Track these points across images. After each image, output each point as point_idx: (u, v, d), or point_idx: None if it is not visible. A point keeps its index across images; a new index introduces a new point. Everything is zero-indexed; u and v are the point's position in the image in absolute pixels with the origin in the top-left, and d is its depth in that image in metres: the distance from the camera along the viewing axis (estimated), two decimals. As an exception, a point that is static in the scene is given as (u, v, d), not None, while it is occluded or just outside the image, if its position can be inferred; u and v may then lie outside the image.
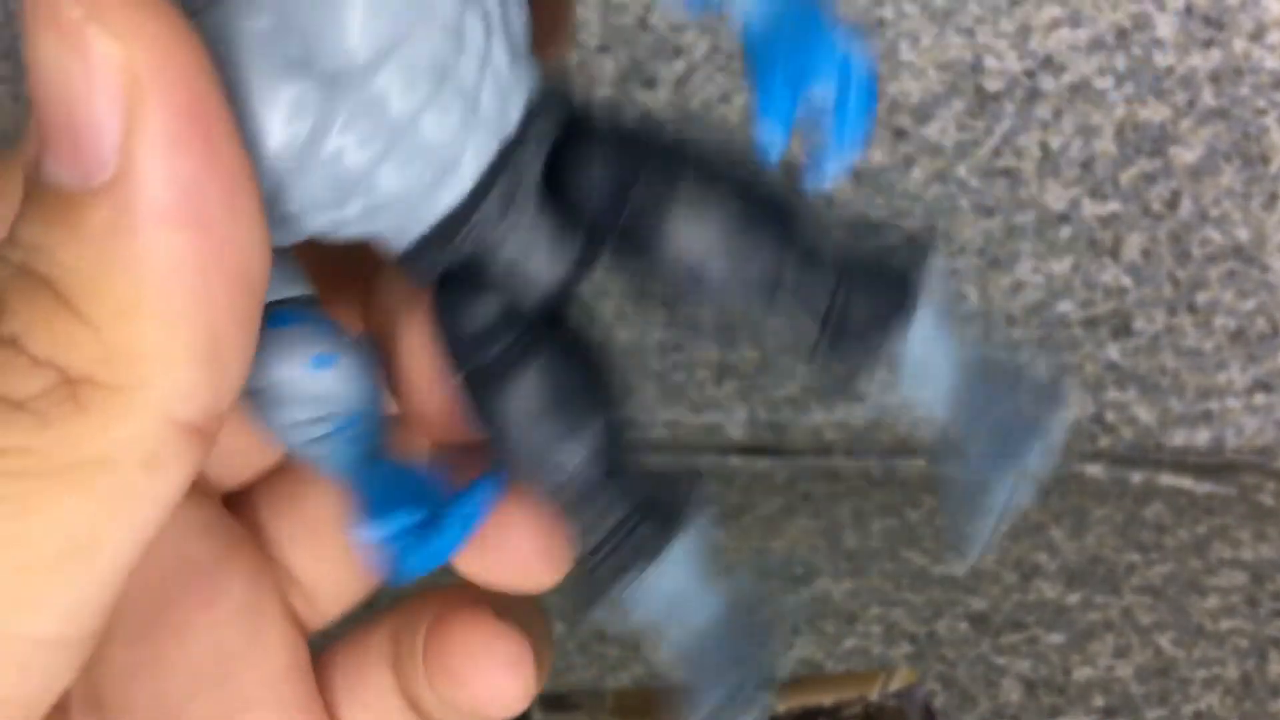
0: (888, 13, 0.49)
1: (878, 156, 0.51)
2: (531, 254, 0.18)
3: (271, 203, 0.17)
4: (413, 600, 0.25)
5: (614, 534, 0.19)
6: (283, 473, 0.24)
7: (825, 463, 0.54)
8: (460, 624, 0.23)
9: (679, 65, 0.51)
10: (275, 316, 0.18)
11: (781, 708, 0.43)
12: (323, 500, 0.23)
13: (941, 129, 0.51)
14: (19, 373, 0.16)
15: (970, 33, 0.50)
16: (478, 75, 0.17)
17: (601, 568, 0.19)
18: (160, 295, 0.16)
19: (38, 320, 0.16)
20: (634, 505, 0.19)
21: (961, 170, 0.51)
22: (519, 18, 0.18)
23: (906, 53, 0.50)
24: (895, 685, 0.42)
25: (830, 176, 0.18)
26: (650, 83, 0.51)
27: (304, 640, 0.25)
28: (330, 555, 0.24)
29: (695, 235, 0.18)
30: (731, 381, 0.54)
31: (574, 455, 0.19)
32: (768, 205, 0.18)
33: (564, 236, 0.18)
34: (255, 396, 0.19)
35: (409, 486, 0.19)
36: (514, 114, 0.17)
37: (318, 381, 0.19)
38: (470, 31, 0.17)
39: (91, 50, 0.15)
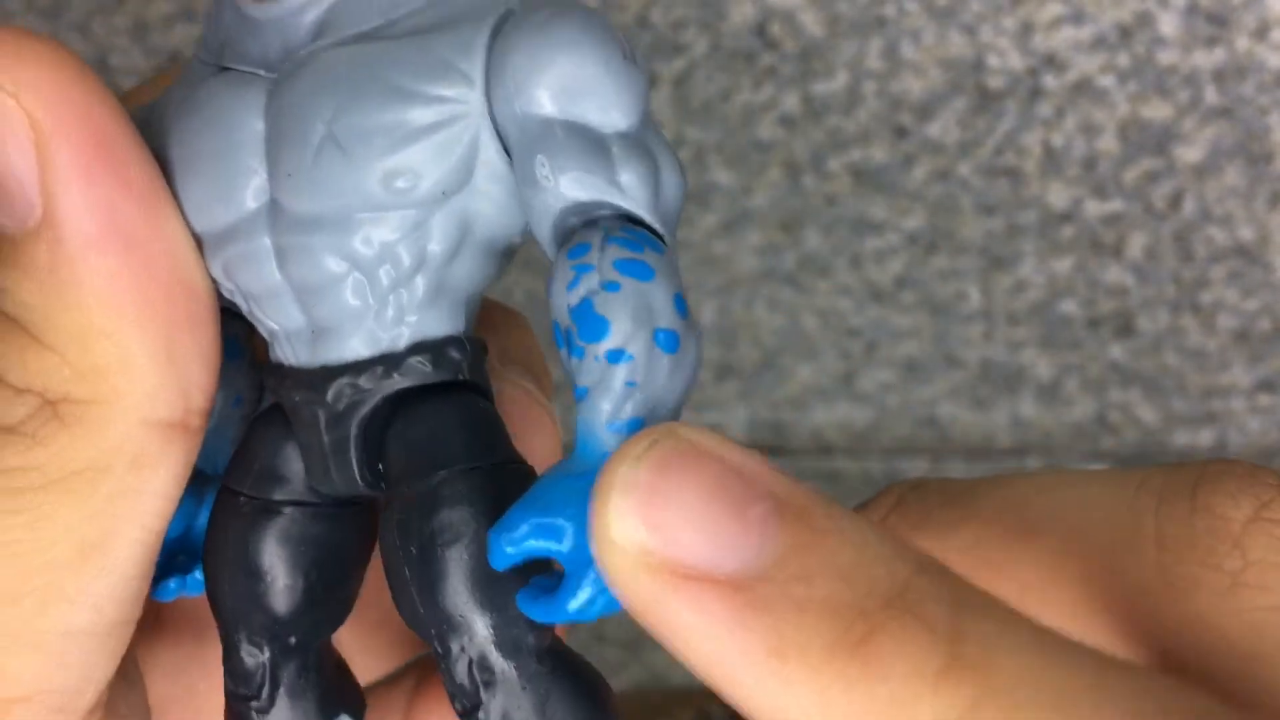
0: (889, 10, 0.49)
1: (879, 155, 0.51)
2: (329, 455, 0.19)
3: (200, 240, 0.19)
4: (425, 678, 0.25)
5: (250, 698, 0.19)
6: None
7: (826, 463, 0.54)
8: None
9: (679, 64, 0.50)
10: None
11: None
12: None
13: (943, 127, 0.51)
14: (4, 401, 0.18)
15: (972, 30, 0.49)
16: (386, 291, 0.18)
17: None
18: (106, 314, 0.18)
19: (12, 353, 0.18)
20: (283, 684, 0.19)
21: (963, 169, 0.51)
22: (468, 275, 0.18)
23: (908, 51, 0.49)
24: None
25: (558, 615, 0.17)
26: (650, 81, 0.51)
27: None
28: (364, 627, 0.24)
29: (415, 554, 0.18)
30: (731, 381, 0.54)
31: (264, 622, 0.19)
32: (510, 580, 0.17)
33: (360, 460, 0.19)
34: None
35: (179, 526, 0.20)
36: (403, 338, 0.18)
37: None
38: (400, 259, 0.18)
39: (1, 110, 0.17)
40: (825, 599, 0.14)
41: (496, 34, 0.17)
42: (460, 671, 0.17)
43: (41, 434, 0.18)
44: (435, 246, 0.18)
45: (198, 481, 0.20)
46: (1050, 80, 0.50)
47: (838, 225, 0.52)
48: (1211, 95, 0.50)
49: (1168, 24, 0.50)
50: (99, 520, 0.18)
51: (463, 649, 0.17)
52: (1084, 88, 0.50)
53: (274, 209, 0.18)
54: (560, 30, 0.17)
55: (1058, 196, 0.52)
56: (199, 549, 0.20)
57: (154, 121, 0.19)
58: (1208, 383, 0.54)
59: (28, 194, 0.17)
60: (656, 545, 0.14)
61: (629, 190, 0.17)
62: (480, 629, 0.17)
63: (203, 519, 0.21)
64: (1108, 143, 0.51)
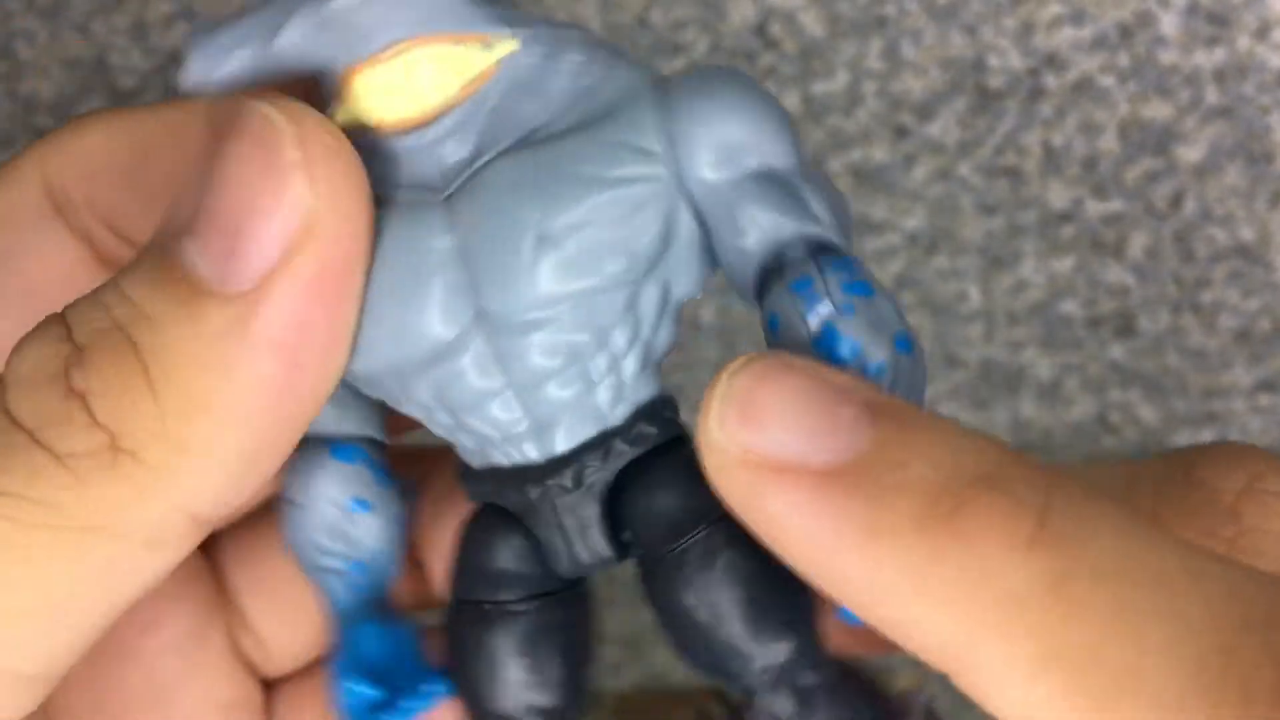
0: (890, 10, 0.49)
1: (879, 155, 0.51)
2: (574, 537, 0.20)
3: (383, 373, 0.19)
4: None
5: None
6: (252, 521, 0.25)
7: (826, 463, 0.54)
8: None
9: (678, 63, 0.50)
10: (341, 449, 0.20)
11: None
12: (286, 558, 0.24)
13: (943, 127, 0.51)
14: (75, 428, 0.17)
15: (972, 30, 0.49)
16: (604, 371, 0.19)
17: None
18: (232, 406, 0.17)
19: (112, 383, 0.17)
20: None
21: (963, 169, 0.51)
22: (665, 337, 0.20)
23: (908, 50, 0.49)
24: (897, 689, 0.42)
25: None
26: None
27: (254, 680, 0.25)
28: (285, 610, 0.25)
29: (714, 603, 0.19)
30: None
31: (544, 716, 0.20)
32: (783, 598, 0.19)
33: (606, 534, 0.20)
34: (291, 508, 0.20)
35: (386, 650, 0.20)
36: (621, 412, 0.19)
37: (350, 521, 0.20)
38: (615, 340, 0.19)
39: (288, 190, 0.17)
40: (915, 481, 0.14)
41: (658, 107, 0.19)
42: (778, 697, 0.18)
43: (87, 477, 0.17)
44: (644, 321, 0.19)
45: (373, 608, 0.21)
46: (1051, 80, 0.50)
47: (838, 225, 0.52)
48: (1212, 95, 0.50)
49: (1168, 24, 0.50)
50: (84, 582, 0.17)
51: (777, 676, 0.18)
52: (1084, 87, 0.50)
53: (481, 319, 0.19)
54: (724, 95, 0.18)
55: (1058, 196, 0.52)
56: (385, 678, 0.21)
57: None
58: (1208, 383, 0.54)
59: (255, 265, 0.17)
60: (754, 443, 0.15)
61: (822, 220, 0.19)
62: (788, 652, 0.18)
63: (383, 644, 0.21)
64: (1108, 142, 0.51)
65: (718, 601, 0.18)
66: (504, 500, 0.20)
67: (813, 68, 0.50)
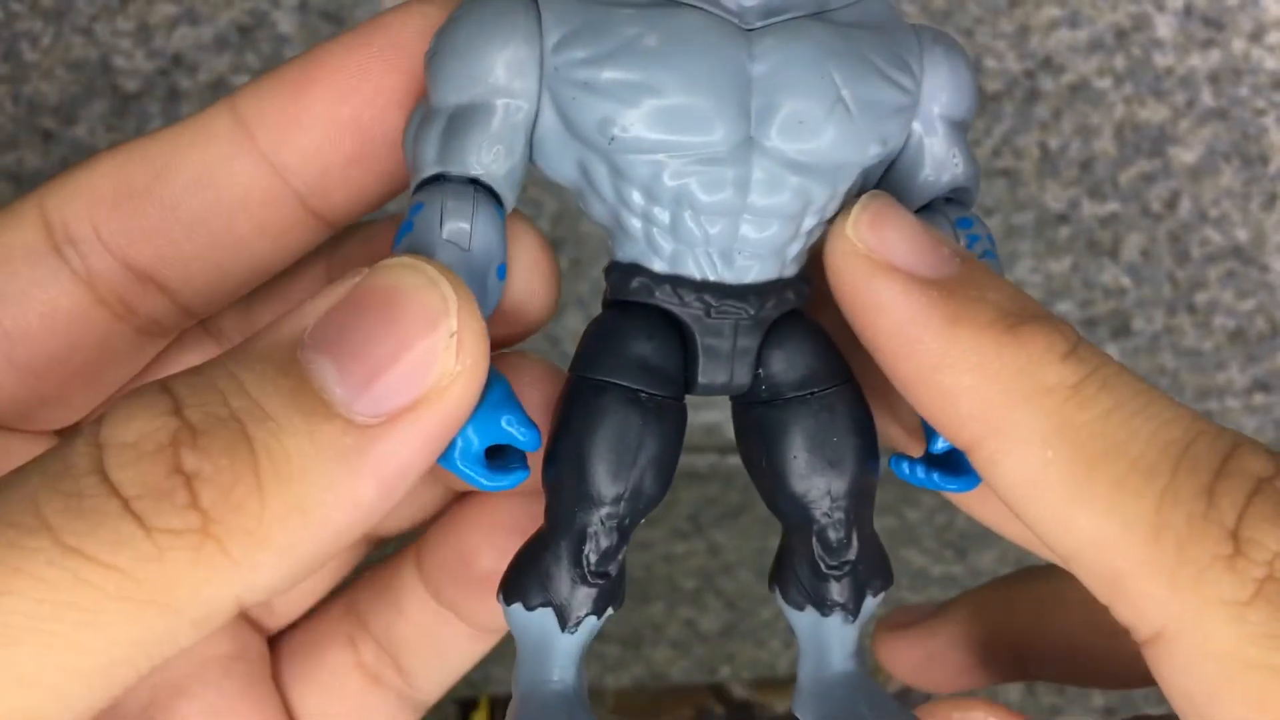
0: (887, 13, 0.49)
1: (877, 157, 0.51)
2: (732, 358, 0.22)
3: (658, 146, 0.21)
4: (364, 577, 0.25)
5: (570, 582, 0.22)
6: None
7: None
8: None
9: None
10: (502, 217, 0.22)
11: (781, 708, 0.43)
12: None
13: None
14: (173, 505, 0.17)
15: (969, 33, 0.50)
16: (809, 230, 0.22)
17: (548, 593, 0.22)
18: (323, 521, 0.18)
19: (225, 475, 0.18)
20: (602, 574, 0.22)
21: (961, 170, 0.51)
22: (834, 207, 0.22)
23: (906, 53, 0.50)
24: (895, 685, 0.42)
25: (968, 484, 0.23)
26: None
27: (254, 632, 0.26)
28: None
29: (823, 441, 0.22)
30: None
31: (611, 496, 0.21)
32: (875, 460, 0.22)
33: (753, 365, 0.22)
34: (452, 249, 0.21)
35: (496, 399, 0.21)
36: (795, 267, 0.22)
37: (492, 281, 0.22)
38: (829, 207, 0.22)
39: (439, 356, 0.19)
40: (991, 301, 0.20)
41: (917, 39, 0.22)
42: (842, 535, 0.22)
43: (170, 556, 0.17)
44: (845, 200, 0.22)
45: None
46: (1047, 82, 0.50)
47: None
48: (1207, 97, 0.51)
49: (1164, 26, 0.50)
50: (134, 650, 0.18)
51: (848, 517, 0.22)
52: (1081, 89, 0.51)
53: (755, 145, 0.21)
54: (959, 54, 0.23)
55: (1055, 197, 0.52)
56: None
57: (586, 29, 0.21)
58: (1204, 382, 0.55)
59: (385, 404, 0.19)
60: (876, 244, 0.20)
61: (975, 177, 0.23)
62: (861, 503, 0.22)
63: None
64: (1104, 144, 0.51)
65: (836, 443, 0.22)
66: (677, 307, 0.22)
67: (811, 70, 0.50)
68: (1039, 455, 0.19)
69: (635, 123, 0.21)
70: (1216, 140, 0.51)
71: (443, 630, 0.26)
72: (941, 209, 0.23)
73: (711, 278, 0.22)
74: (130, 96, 0.49)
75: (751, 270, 0.22)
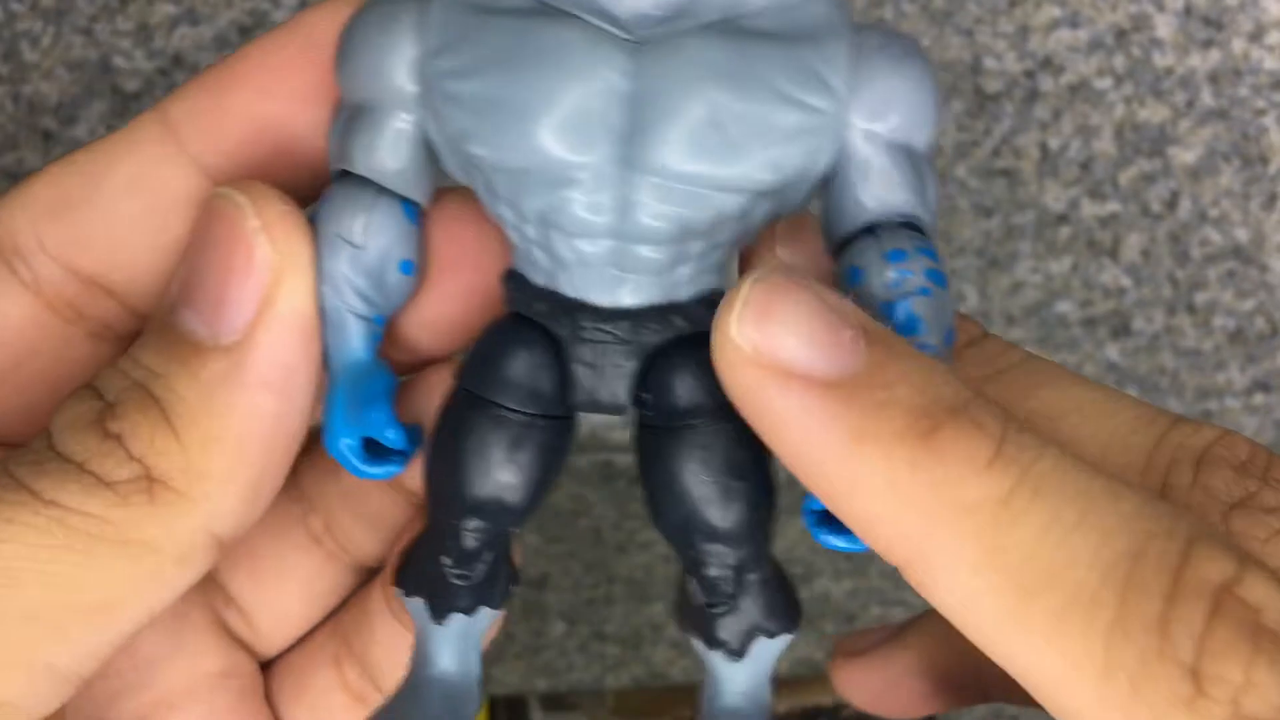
0: (887, 13, 0.49)
1: (877, 157, 0.51)
2: (604, 380, 0.21)
3: (510, 169, 0.20)
4: (350, 601, 0.26)
5: (445, 582, 0.22)
6: None
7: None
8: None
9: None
10: (409, 209, 0.22)
11: (781, 708, 0.43)
12: (264, 528, 0.25)
13: (941, 129, 0.51)
14: (116, 461, 0.20)
15: (969, 33, 0.50)
16: (697, 254, 0.21)
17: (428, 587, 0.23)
18: (239, 438, 0.21)
19: (142, 426, 0.20)
20: (479, 574, 0.22)
21: (961, 170, 0.51)
22: (749, 242, 0.22)
23: (906, 53, 0.50)
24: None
25: (852, 545, 0.21)
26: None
27: (244, 654, 0.27)
28: (267, 583, 0.26)
29: (702, 481, 0.21)
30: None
31: (470, 505, 0.22)
32: (756, 503, 0.21)
33: (632, 388, 0.21)
34: (344, 245, 0.22)
35: (372, 394, 0.22)
36: (689, 291, 0.21)
37: (394, 277, 0.22)
38: (720, 232, 0.21)
39: (256, 252, 0.20)
40: (900, 401, 0.17)
41: (853, 50, 0.20)
42: (721, 575, 0.21)
43: (131, 499, 0.20)
44: (750, 226, 0.21)
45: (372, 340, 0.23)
46: (1047, 82, 0.50)
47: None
48: (1207, 97, 0.51)
49: (1164, 26, 0.50)
50: (127, 588, 0.20)
51: (726, 559, 0.21)
52: (1081, 90, 0.51)
53: (623, 166, 0.20)
54: (914, 67, 0.20)
55: (1055, 198, 0.52)
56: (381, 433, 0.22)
57: (446, 38, 0.21)
58: (1203, 382, 0.55)
59: (238, 318, 0.20)
60: (766, 347, 0.18)
61: (929, 207, 0.21)
62: (745, 546, 0.21)
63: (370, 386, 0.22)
64: (1104, 144, 0.51)
65: (708, 482, 0.21)
66: (551, 323, 0.21)
67: (811, 70, 0.50)
68: (968, 583, 0.17)
69: (492, 140, 0.20)
70: (1216, 140, 0.51)
71: (407, 650, 0.26)
72: (876, 238, 0.20)
73: (585, 298, 0.21)
74: (130, 96, 0.49)
75: (630, 294, 0.21)
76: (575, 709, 0.43)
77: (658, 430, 0.21)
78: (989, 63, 0.50)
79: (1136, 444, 0.21)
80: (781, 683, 0.45)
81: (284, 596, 0.27)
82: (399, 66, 0.21)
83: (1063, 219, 0.52)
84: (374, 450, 0.22)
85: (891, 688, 0.29)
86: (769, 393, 0.18)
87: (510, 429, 0.21)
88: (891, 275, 0.20)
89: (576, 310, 0.21)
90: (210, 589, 0.26)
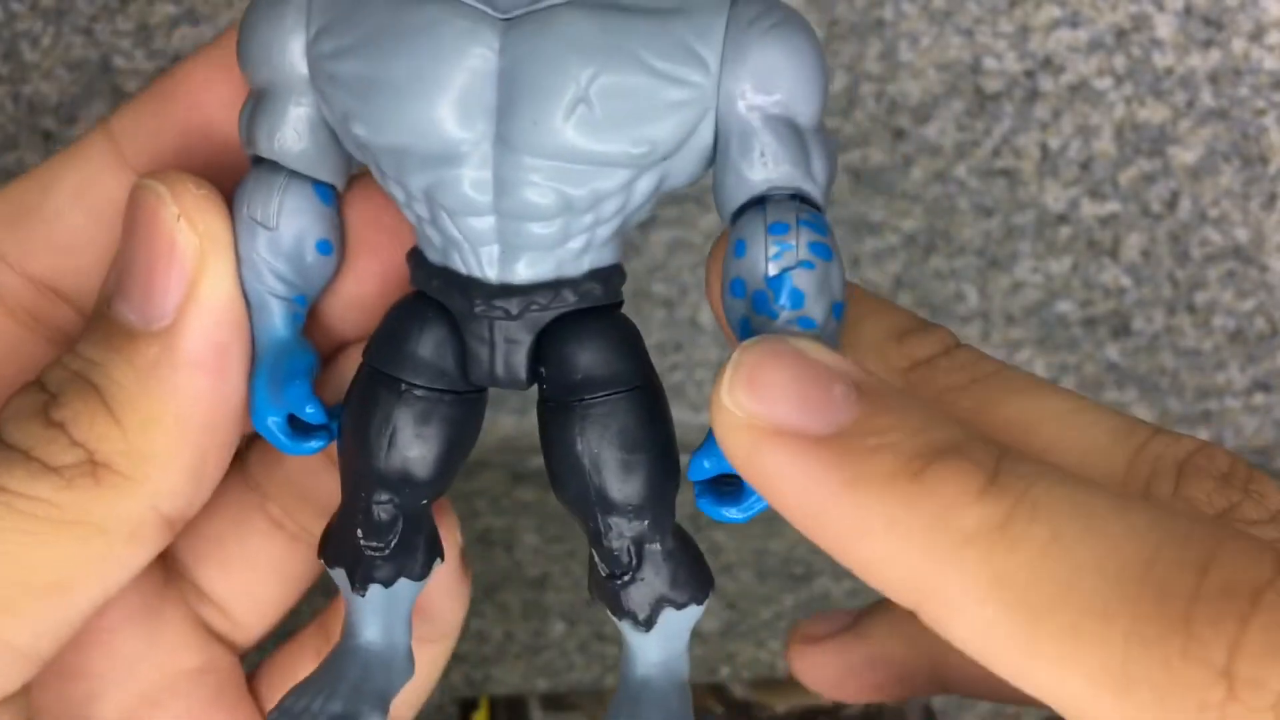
0: (887, 13, 0.49)
1: (877, 156, 0.51)
2: (499, 356, 0.22)
3: (389, 150, 0.21)
4: (337, 596, 0.26)
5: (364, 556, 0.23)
6: None
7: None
8: None
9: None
10: (322, 190, 0.22)
11: (781, 708, 0.43)
12: (226, 516, 0.27)
13: (940, 129, 0.51)
14: (59, 447, 0.21)
15: (969, 33, 0.50)
16: (584, 228, 0.21)
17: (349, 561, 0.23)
18: (177, 418, 0.21)
19: (82, 413, 0.21)
20: (394, 544, 0.23)
21: (961, 170, 0.51)
22: (643, 216, 0.22)
23: (905, 53, 0.50)
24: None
25: (740, 514, 0.22)
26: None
27: (224, 649, 0.27)
28: (238, 575, 0.27)
29: (599, 455, 0.21)
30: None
31: (376, 478, 0.22)
32: (655, 474, 0.22)
33: (528, 363, 0.22)
34: (258, 229, 0.22)
35: (291, 371, 0.23)
36: (581, 266, 0.21)
37: (312, 257, 0.23)
38: (605, 206, 0.21)
39: (178, 238, 0.21)
40: (893, 446, 0.17)
41: (729, 23, 0.20)
42: (620, 546, 0.22)
43: (76, 482, 0.21)
44: (636, 199, 0.21)
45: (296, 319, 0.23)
46: (1047, 82, 0.50)
47: (836, 226, 0.52)
48: (1207, 97, 0.51)
49: (1164, 26, 0.50)
50: (78, 568, 0.21)
51: (624, 531, 0.21)
52: (1081, 90, 0.51)
53: (499, 143, 0.20)
54: (792, 38, 0.20)
55: (1055, 198, 0.52)
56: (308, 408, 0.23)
57: (330, 25, 0.21)
58: (1203, 382, 0.55)
59: (167, 303, 0.21)
60: (759, 410, 0.18)
61: (816, 178, 0.21)
62: (644, 517, 0.21)
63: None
64: (1104, 144, 0.51)
65: (603, 455, 0.21)
66: (447, 300, 0.22)
67: (811, 70, 0.50)
68: (979, 614, 0.17)
69: (371, 120, 0.20)
70: (1216, 140, 0.51)
71: None
72: (763, 211, 0.20)
73: (476, 274, 0.21)
74: (131, 96, 0.49)
75: (520, 270, 0.21)
76: (575, 709, 0.43)
77: (554, 405, 0.22)
78: (989, 63, 0.50)
79: (1115, 454, 0.20)
80: (782, 682, 0.45)
81: (256, 584, 0.27)
82: (289, 50, 0.21)
83: (1063, 219, 0.52)
84: (300, 427, 0.23)
85: (848, 675, 0.29)
86: (764, 453, 0.18)
87: (415, 404, 0.22)
88: (773, 248, 0.20)
89: (469, 287, 0.21)
90: (183, 585, 0.27)
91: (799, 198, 0.21)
